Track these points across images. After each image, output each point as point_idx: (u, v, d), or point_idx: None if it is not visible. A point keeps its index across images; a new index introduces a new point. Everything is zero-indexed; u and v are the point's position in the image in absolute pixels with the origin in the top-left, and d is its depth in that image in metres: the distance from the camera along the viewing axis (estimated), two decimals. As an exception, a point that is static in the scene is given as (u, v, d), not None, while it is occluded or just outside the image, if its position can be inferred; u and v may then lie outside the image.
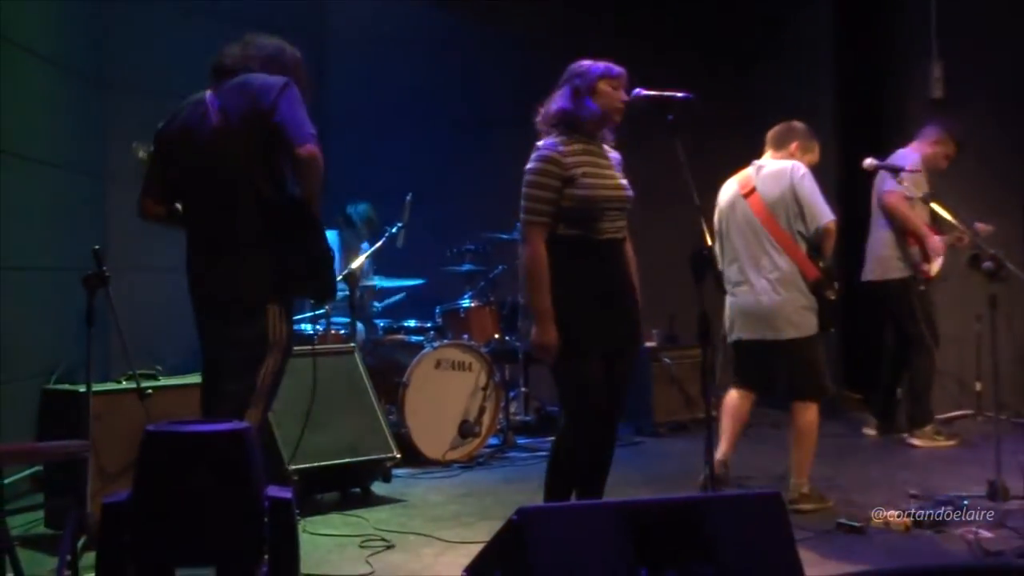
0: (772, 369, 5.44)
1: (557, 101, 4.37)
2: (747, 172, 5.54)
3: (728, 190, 5.58)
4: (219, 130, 3.86)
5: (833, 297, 5.27)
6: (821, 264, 5.27)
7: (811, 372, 5.33)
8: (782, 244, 5.28)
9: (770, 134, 5.69)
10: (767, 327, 5.31)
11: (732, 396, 5.60)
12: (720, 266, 5.48)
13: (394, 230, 7.20)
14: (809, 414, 5.30)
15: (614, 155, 4.47)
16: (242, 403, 3.76)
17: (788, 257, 5.26)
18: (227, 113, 3.86)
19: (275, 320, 3.86)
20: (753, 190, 5.40)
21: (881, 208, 7.14)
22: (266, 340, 3.83)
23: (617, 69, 4.37)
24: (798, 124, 5.66)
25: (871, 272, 7.35)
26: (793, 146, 5.56)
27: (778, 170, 5.40)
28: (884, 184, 7.12)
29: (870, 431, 7.61)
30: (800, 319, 5.26)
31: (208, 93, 3.98)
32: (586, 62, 4.38)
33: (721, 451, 5.49)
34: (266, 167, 3.85)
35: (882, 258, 7.25)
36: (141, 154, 4.23)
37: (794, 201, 5.30)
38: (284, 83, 3.87)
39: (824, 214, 5.28)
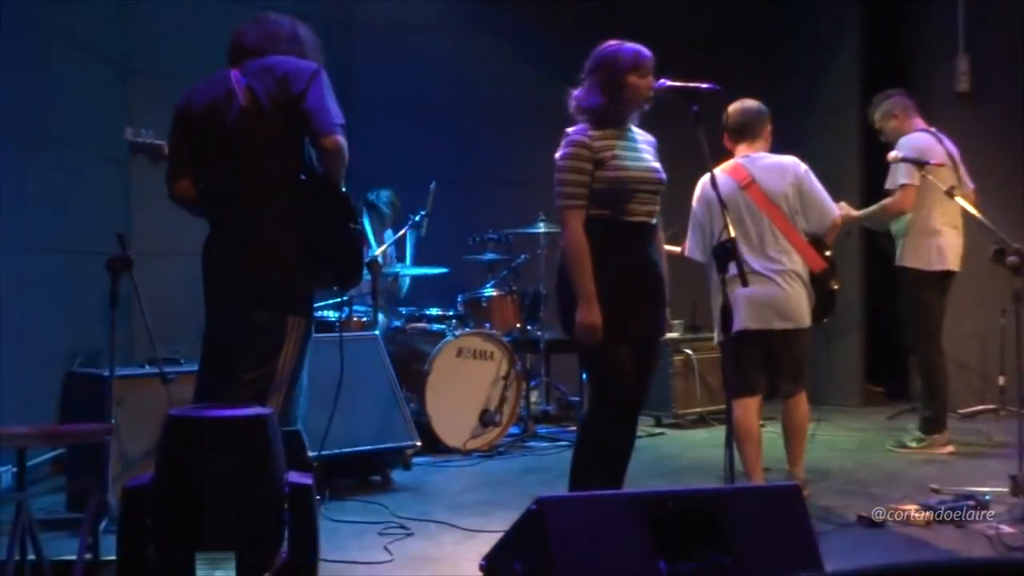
0: (769, 361, 5.36)
1: (583, 95, 4.33)
2: (737, 163, 5.36)
3: (721, 181, 5.34)
4: (248, 111, 3.83)
5: (836, 287, 5.27)
6: (827, 254, 5.25)
7: (804, 363, 5.36)
8: (787, 235, 5.22)
9: (737, 122, 5.39)
10: (776, 316, 5.20)
11: (739, 414, 5.12)
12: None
13: (417, 218, 7.19)
14: (804, 404, 5.32)
15: (647, 139, 4.45)
16: (262, 391, 3.73)
17: (793, 248, 5.23)
18: (256, 94, 3.82)
19: (296, 307, 3.85)
20: (752, 181, 5.26)
21: None
22: (285, 327, 3.81)
23: (646, 54, 4.30)
24: (760, 106, 5.43)
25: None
26: (766, 132, 5.43)
27: (779, 163, 5.31)
28: None
29: (942, 448, 6.66)
30: (805, 310, 5.25)
31: (233, 72, 3.93)
32: (613, 47, 4.32)
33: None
34: (295, 150, 3.84)
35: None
36: (129, 136, 4.18)
37: (796, 196, 5.25)
38: (315, 69, 3.85)
39: (834, 209, 5.31)
